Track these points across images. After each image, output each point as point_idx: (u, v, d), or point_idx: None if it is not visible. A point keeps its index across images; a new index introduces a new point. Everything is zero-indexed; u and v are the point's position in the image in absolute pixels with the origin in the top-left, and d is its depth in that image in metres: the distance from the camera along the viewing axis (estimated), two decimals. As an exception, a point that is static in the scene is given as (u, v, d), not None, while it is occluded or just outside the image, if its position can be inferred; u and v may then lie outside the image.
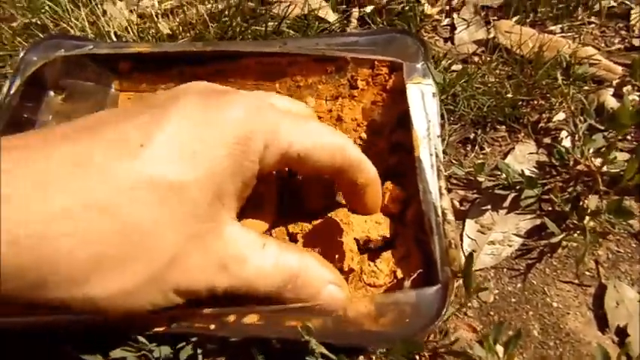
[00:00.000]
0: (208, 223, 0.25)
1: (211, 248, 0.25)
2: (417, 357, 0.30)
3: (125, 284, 0.23)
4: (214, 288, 0.26)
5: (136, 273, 0.23)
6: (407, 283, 0.29)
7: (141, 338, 0.28)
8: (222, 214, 0.26)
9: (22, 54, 0.41)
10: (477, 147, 0.41)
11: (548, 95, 0.43)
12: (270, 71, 0.45)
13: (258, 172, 0.27)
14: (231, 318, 0.28)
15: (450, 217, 0.30)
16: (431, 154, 0.34)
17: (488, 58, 0.47)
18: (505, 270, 0.35)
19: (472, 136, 0.42)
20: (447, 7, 0.60)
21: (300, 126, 0.28)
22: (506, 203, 0.38)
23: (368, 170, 0.31)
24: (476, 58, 0.49)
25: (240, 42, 0.53)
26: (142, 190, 0.22)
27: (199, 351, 0.29)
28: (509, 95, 0.42)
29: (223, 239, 0.26)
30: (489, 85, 0.44)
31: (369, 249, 0.33)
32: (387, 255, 0.32)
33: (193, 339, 0.29)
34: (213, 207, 0.25)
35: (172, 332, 0.28)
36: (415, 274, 0.29)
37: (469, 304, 0.33)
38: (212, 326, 0.28)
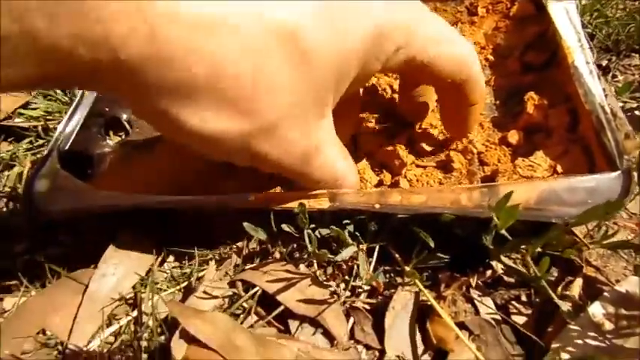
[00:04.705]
0: (318, 104, 0.23)
1: (308, 133, 0.24)
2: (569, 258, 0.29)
3: (225, 130, 0.21)
4: (282, 168, 0.25)
5: (238, 123, 0.21)
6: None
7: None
8: (330, 102, 0.24)
9: None
10: (609, 74, 0.40)
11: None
12: None
13: (373, 72, 0.25)
14: (397, 197, 0.28)
15: (621, 115, 0.29)
16: (587, 62, 0.33)
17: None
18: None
19: (605, 63, 0.41)
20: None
21: (434, 28, 0.26)
22: (649, 126, 0.36)
23: (482, 88, 0.29)
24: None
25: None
26: (275, 40, 0.20)
27: (357, 233, 0.29)
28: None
29: (318, 128, 0.25)
30: (623, 11, 0.42)
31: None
32: (540, 153, 0.31)
33: (359, 217, 0.29)
34: (329, 91, 0.23)
35: (335, 210, 0.28)
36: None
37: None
38: (377, 205, 0.28)
